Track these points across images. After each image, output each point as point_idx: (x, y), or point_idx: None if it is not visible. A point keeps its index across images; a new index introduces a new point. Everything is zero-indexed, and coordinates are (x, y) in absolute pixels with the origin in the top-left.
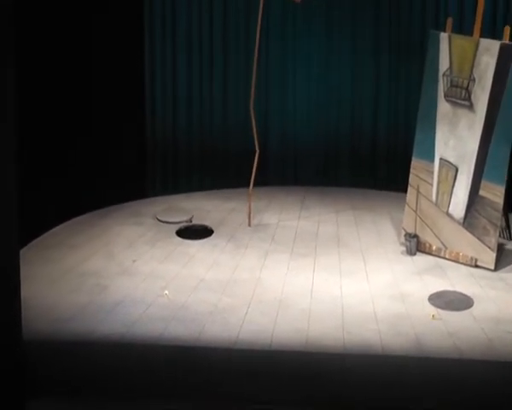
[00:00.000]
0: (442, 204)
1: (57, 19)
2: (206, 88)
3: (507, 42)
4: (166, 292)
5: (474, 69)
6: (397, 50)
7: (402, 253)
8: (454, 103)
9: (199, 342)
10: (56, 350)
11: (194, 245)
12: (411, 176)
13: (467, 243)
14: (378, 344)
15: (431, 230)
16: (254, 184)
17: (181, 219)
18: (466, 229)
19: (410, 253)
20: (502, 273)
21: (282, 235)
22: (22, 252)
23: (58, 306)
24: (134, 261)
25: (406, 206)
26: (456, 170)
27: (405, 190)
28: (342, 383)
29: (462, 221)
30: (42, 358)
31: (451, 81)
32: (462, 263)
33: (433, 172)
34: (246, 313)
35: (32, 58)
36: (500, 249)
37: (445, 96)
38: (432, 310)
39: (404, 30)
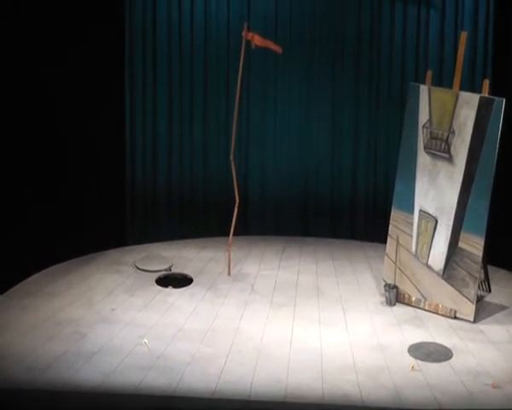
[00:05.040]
0: (421, 255)
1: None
2: (186, 138)
3: (486, 95)
4: (145, 341)
5: (454, 121)
6: (376, 103)
7: (381, 303)
8: (433, 155)
9: (177, 391)
10: (33, 399)
11: (173, 294)
12: (391, 227)
13: (446, 295)
14: (357, 395)
15: (410, 281)
16: (234, 234)
17: (160, 267)
18: (445, 281)
19: (390, 304)
20: (481, 325)
21: (262, 284)
22: (0, 300)
23: (35, 354)
24: (113, 310)
25: (386, 257)
26: (436, 222)
27: (385, 241)
28: None
29: (441, 273)
30: (18, 407)
31: (431, 133)
32: (441, 314)
33: (412, 224)
34: (224, 363)
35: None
36: (479, 301)
37: (424, 148)
38: (411, 361)
39: (383, 83)
